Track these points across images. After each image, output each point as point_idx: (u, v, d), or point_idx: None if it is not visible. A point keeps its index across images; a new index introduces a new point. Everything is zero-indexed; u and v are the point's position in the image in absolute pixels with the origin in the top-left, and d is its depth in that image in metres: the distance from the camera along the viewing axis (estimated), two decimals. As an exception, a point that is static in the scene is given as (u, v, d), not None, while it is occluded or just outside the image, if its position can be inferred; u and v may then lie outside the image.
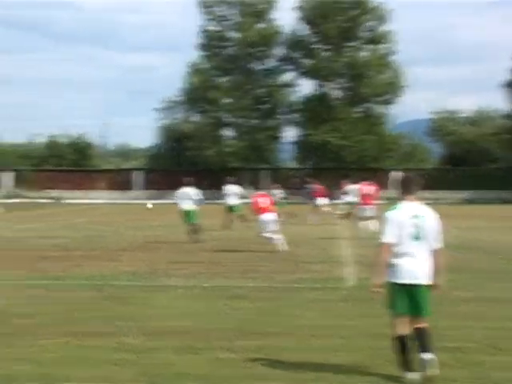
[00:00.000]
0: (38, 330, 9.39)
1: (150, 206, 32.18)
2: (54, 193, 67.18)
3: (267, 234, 19.90)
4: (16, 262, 16.92)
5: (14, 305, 11.14)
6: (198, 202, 23.90)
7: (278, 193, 35.28)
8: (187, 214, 23.53)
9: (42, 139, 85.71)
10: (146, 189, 68.52)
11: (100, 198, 65.41)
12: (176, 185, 24.46)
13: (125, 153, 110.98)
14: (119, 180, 69.97)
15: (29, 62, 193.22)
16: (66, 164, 77.39)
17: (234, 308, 11.00)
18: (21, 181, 70.18)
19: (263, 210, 20.01)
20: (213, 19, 70.75)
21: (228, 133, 72.85)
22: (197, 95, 68.91)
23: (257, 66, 71.57)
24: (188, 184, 23.98)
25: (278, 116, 71.60)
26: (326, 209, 33.98)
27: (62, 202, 62.96)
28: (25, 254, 18.90)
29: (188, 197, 23.71)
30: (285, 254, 18.67)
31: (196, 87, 68.96)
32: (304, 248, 20.64)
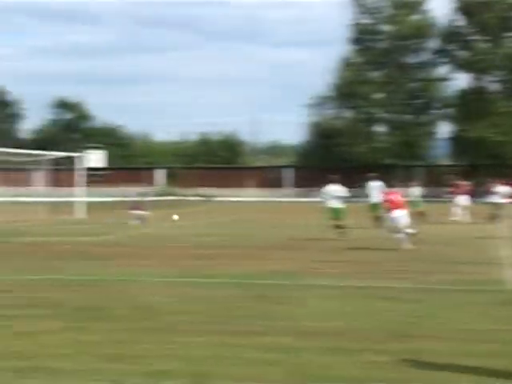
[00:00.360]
0: (189, 327, 9.60)
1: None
2: (205, 190, 68.72)
3: (397, 232, 19.98)
4: (168, 260, 17.43)
5: (166, 302, 11.44)
6: (344, 200, 23.96)
7: (416, 190, 34.65)
8: (334, 212, 23.72)
9: (193, 137, 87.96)
10: (295, 186, 68.88)
11: (250, 195, 66.23)
12: (325, 182, 24.59)
13: (275, 150, 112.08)
14: (269, 178, 70.66)
15: (181, 60, 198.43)
16: (217, 162, 79.02)
17: (385, 309, 10.85)
18: (172, 178, 72.15)
19: (394, 207, 20.10)
20: (365, 12, 70.31)
21: (380, 129, 72.17)
22: (348, 90, 68.66)
23: (410, 60, 70.52)
24: (334, 181, 24.08)
25: (431, 111, 70.30)
26: (463, 207, 33.15)
27: (213, 199, 64.33)
28: (176, 251, 19.45)
29: (335, 194, 23.81)
30: (436, 255, 18.30)
31: (347, 82, 68.75)
32: (455, 248, 20.17)
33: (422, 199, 34.68)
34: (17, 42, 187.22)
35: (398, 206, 20.13)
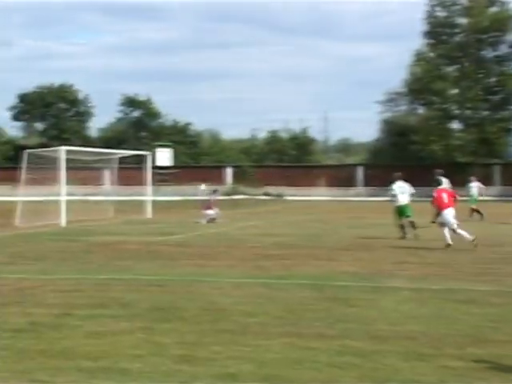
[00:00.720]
0: (260, 329, 9.64)
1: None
2: (275, 189, 68.77)
3: (446, 230, 20.25)
4: (238, 260, 17.52)
5: (238, 303, 11.50)
6: (411, 197, 24.50)
7: (476, 186, 34.13)
8: (403, 209, 24.01)
9: (263, 134, 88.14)
10: (367, 185, 68.41)
11: (320, 194, 66.02)
12: (392, 180, 24.87)
13: (346, 148, 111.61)
14: (341, 176, 70.32)
15: (249, 55, 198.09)
16: (286, 160, 79.00)
17: (464, 313, 10.70)
18: (241, 177, 72.36)
19: (445, 206, 20.53)
20: (440, 5, 69.35)
21: (455, 125, 71.17)
22: (421, 86, 67.80)
23: (487, 54, 69.31)
24: (399, 178, 24.43)
25: (509, 107, 68.93)
26: None
27: (283, 198, 64.36)
28: (247, 251, 19.52)
29: (404, 191, 24.21)
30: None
31: (420, 77, 67.92)
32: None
33: (477, 196, 34.11)
34: (86, 39, 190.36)
35: (448, 204, 20.55)
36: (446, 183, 28.09)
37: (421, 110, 71.70)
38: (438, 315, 10.57)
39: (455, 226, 20.35)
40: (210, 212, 32.45)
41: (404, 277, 14.49)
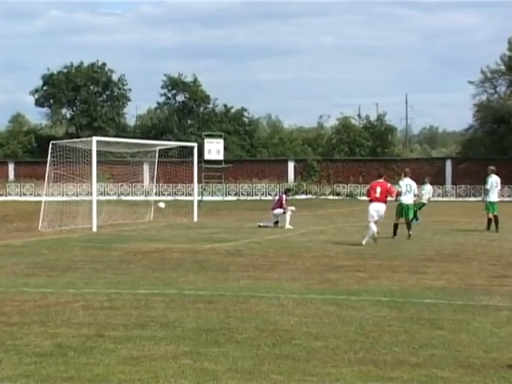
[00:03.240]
0: (327, 355, 9.60)
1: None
2: (345, 188, 68.57)
3: None
4: (303, 272, 17.50)
5: (301, 323, 11.48)
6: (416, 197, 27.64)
7: None
8: (405, 209, 26.41)
9: (331, 122, 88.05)
10: (456, 183, 67.77)
11: (401, 194, 65.56)
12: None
13: (432, 138, 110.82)
14: (426, 172, 69.75)
15: (314, 28, 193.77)
16: (360, 153, 78.73)
17: None
18: (305, 173, 72.24)
19: None
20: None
21: None
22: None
23: None
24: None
25: None
26: None
27: (355, 198, 64.16)
28: (312, 262, 19.50)
29: (410, 190, 26.59)
30: None
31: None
32: None
33: None
34: (121, 9, 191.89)
35: None
36: None
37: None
38: (545, 340, 10.44)
39: None
40: (279, 211, 32.39)
41: (503, 293, 14.34)
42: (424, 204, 35.22)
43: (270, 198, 59.63)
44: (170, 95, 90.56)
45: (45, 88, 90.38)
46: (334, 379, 8.50)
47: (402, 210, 26.55)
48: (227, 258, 20.43)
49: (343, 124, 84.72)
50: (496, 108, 72.53)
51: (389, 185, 24.98)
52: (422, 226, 31.41)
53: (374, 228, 23.88)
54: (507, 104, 71.52)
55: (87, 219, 31.08)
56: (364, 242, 23.74)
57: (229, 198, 66.17)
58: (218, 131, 73.68)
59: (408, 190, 26.59)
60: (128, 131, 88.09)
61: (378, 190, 24.26)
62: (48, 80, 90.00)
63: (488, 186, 28.05)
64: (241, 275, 17.00)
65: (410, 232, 26.21)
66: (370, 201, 24.50)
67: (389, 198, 24.55)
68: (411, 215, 27.05)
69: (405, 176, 27.18)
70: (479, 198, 28.37)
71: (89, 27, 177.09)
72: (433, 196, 41.08)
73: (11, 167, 77.52)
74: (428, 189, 36.97)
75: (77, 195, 36.68)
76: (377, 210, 24.08)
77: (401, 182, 26.99)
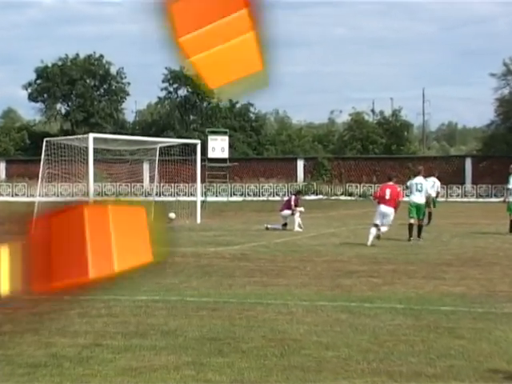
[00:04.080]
0: (340, 365, 9.59)
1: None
2: (358, 187, 68.54)
3: None
4: (313, 278, 17.51)
5: (311, 332, 11.48)
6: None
7: None
8: (416, 209, 26.45)
9: (343, 118, 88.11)
10: (477, 183, 67.70)
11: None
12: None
13: (451, 135, 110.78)
14: (444, 171, 69.71)
15: (322, 17, 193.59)
16: (373, 150, 78.72)
17: None
18: (315, 172, 72.25)
19: None
20: None
21: None
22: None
23: None
24: (419, 174, 26.49)
25: None
26: None
27: (369, 199, 64.10)
28: (323, 266, 19.52)
29: (422, 189, 26.63)
30: None
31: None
32: None
33: None
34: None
35: None
36: None
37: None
38: None
39: None
40: (287, 212, 32.43)
41: (526, 300, 14.35)
42: (434, 200, 34.75)
43: (277, 198, 59.78)
44: (171, 89, 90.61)
45: (38, 82, 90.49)
46: (346, 392, 8.51)
47: (413, 209, 26.59)
48: (232, 263, 20.45)
49: (356, 120, 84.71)
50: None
51: (398, 189, 25.34)
52: (439, 228, 31.42)
53: (373, 232, 24.44)
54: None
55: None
56: (369, 243, 24.21)
57: (234, 198, 66.21)
58: (222, 127, 73.64)
59: (418, 189, 26.64)
60: (127, 128, 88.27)
61: (388, 191, 24.65)
62: (42, 73, 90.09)
63: (510, 186, 28.04)
64: (247, 281, 17.01)
65: (421, 237, 26.54)
66: (378, 203, 25.01)
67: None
68: (422, 215, 27.25)
69: (417, 174, 27.55)
70: (501, 199, 28.21)
71: (85, 17, 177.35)
72: (451, 196, 41.04)
73: (2, 166, 77.68)
74: (431, 182, 36.09)
75: (72, 196, 36.69)
76: (383, 213, 24.53)
77: (410, 182, 27.42)
